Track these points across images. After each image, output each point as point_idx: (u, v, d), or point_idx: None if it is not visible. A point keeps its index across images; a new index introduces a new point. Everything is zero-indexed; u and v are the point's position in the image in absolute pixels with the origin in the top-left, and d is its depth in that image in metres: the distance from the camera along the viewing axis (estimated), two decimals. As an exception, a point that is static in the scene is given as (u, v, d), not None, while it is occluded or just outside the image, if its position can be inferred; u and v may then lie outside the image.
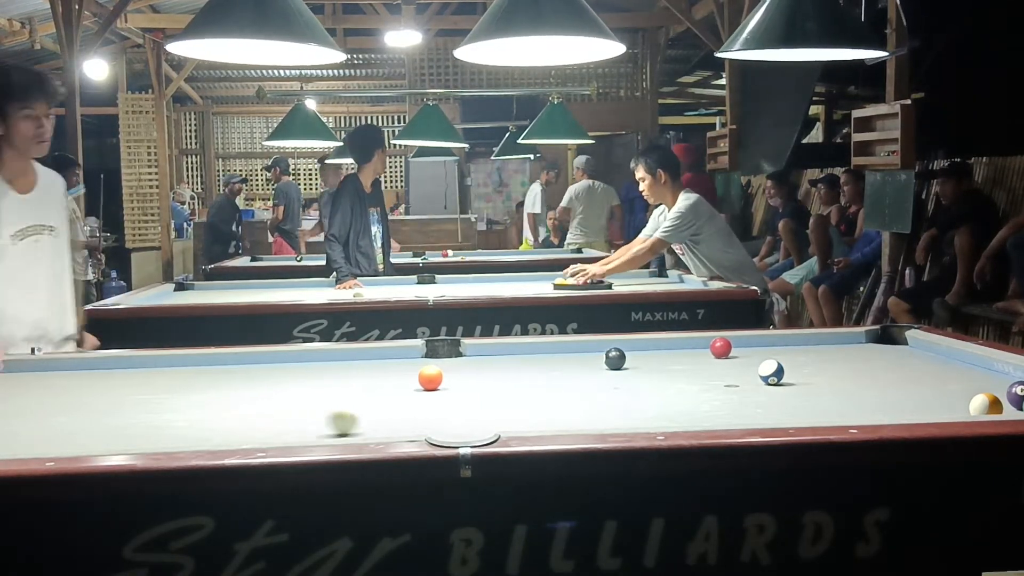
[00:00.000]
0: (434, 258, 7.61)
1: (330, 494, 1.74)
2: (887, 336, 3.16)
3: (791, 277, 7.68)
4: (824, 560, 1.82)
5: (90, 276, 6.92)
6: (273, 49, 3.22)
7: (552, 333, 4.13)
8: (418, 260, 7.30)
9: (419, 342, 3.10)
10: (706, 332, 3.20)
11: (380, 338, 4.01)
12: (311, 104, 8.18)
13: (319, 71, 13.27)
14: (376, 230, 5.77)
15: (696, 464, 1.81)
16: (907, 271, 6.71)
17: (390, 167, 14.70)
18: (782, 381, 2.50)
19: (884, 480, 1.85)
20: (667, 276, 5.60)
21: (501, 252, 9.26)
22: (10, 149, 3.01)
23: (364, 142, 5.79)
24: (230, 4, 2.98)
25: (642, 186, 5.03)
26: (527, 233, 11.10)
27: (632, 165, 5.11)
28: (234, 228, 10.46)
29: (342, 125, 13.41)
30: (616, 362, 2.78)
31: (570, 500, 1.80)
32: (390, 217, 12.72)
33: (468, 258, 7.87)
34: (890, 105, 6.46)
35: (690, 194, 4.96)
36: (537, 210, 10.99)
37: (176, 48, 3.21)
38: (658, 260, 7.02)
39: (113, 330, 3.99)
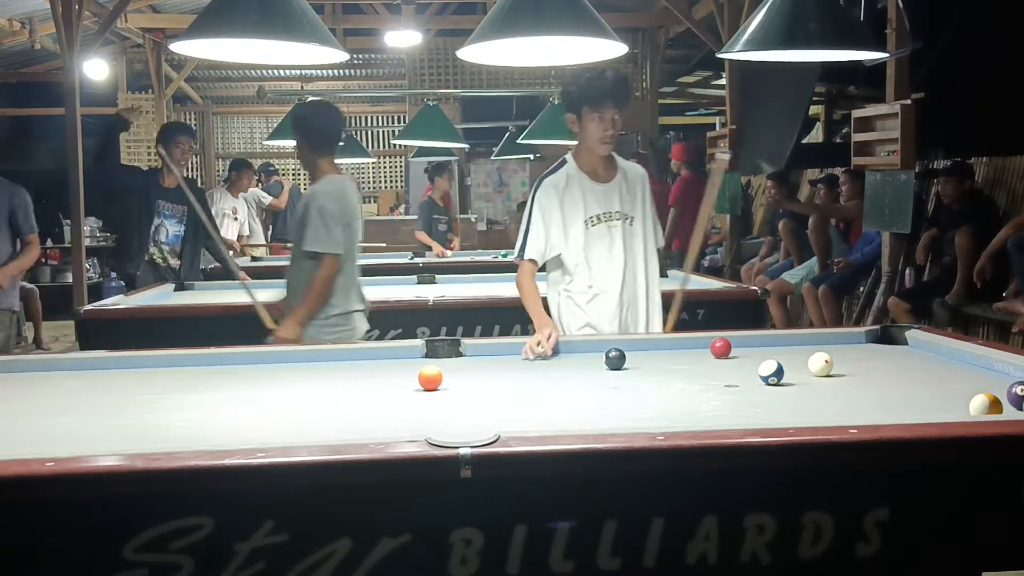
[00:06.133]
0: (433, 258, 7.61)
1: (330, 494, 1.74)
2: (887, 336, 3.16)
3: (791, 277, 7.66)
4: (824, 560, 1.82)
5: None
6: (276, 49, 3.22)
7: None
8: (417, 260, 7.30)
9: (419, 342, 3.10)
10: (706, 332, 3.20)
11: (380, 338, 4.01)
12: (311, 104, 8.16)
13: (319, 71, 13.24)
14: (165, 225, 5.67)
15: (696, 464, 1.81)
16: (907, 271, 6.70)
17: (390, 167, 14.68)
18: (782, 381, 2.50)
19: (884, 480, 1.85)
20: (667, 276, 5.59)
21: (501, 252, 9.21)
22: (583, 145, 3.38)
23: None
24: (233, 4, 2.98)
25: None
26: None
27: None
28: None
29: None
30: (616, 362, 2.78)
31: (570, 500, 1.80)
32: (391, 217, 12.83)
33: (468, 258, 7.85)
34: (890, 105, 6.45)
35: None
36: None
37: (179, 48, 3.20)
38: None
39: (113, 330, 4.00)
